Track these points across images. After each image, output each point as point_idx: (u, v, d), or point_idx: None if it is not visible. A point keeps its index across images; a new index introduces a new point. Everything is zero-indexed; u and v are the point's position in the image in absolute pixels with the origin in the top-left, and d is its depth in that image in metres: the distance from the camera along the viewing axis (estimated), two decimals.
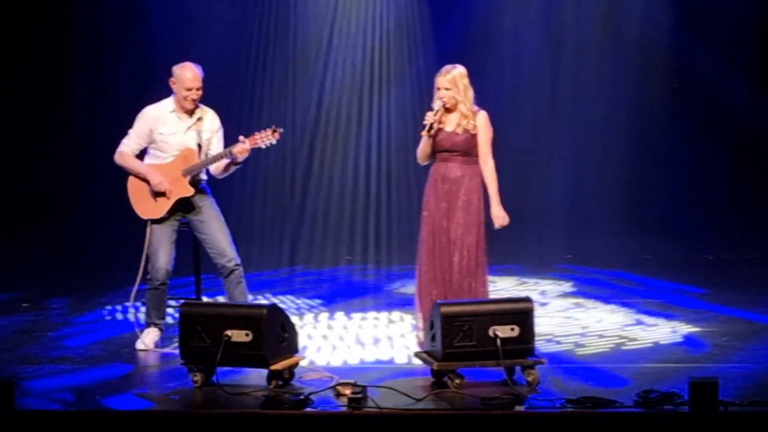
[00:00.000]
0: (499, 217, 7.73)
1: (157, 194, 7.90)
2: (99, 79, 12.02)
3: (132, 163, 7.98)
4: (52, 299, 9.83)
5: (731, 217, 12.31)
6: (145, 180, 7.92)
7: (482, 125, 7.77)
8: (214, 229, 7.98)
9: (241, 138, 7.89)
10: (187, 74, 7.93)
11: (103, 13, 12.11)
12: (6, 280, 10.53)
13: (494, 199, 7.76)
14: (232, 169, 8.04)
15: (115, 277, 10.56)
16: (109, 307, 9.46)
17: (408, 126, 12.31)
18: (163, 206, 7.92)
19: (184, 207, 7.98)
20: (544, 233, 12.30)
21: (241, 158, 7.91)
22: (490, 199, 7.76)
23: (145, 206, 7.95)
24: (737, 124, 12.38)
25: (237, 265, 7.95)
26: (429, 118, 7.69)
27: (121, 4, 12.21)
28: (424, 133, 7.72)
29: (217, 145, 8.05)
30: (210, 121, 8.05)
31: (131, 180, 7.99)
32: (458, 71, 7.76)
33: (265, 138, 7.91)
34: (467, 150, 7.75)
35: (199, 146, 7.98)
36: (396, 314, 9.13)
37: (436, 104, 7.73)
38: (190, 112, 7.99)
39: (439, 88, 7.74)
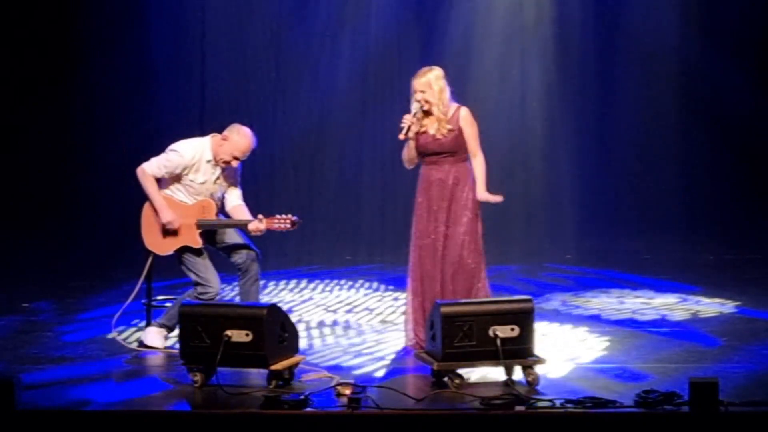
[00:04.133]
0: (489, 197, 7.69)
1: (166, 232, 7.82)
2: (97, 78, 12.01)
3: (151, 189, 7.80)
4: (51, 299, 9.83)
5: (731, 217, 12.30)
6: (174, 206, 7.81)
7: (467, 121, 7.73)
8: (230, 234, 7.94)
9: (259, 217, 7.77)
10: (244, 143, 7.79)
11: (102, 12, 12.10)
12: (5, 279, 10.53)
13: (482, 185, 7.71)
14: None
15: (114, 276, 10.57)
16: (109, 307, 9.47)
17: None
18: (168, 246, 7.83)
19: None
20: (544, 233, 12.30)
21: (252, 234, 7.86)
22: (477, 186, 7.71)
23: (152, 238, 7.86)
24: (739, 124, 12.37)
25: (254, 259, 7.89)
26: (406, 120, 7.65)
27: (121, 3, 12.21)
28: (401, 136, 7.65)
29: (234, 186, 7.97)
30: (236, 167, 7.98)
31: (147, 207, 7.86)
32: (433, 73, 7.71)
33: (282, 225, 7.79)
34: (455, 149, 7.72)
35: (219, 198, 7.93)
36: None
37: (414, 107, 7.69)
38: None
39: (415, 91, 7.70)
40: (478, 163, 7.77)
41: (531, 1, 12.45)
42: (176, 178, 7.84)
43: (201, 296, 7.81)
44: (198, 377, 6.89)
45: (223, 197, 7.97)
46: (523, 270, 11.14)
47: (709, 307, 9.26)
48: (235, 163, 7.85)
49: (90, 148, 12.05)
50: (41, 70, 12.00)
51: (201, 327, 6.85)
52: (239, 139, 7.80)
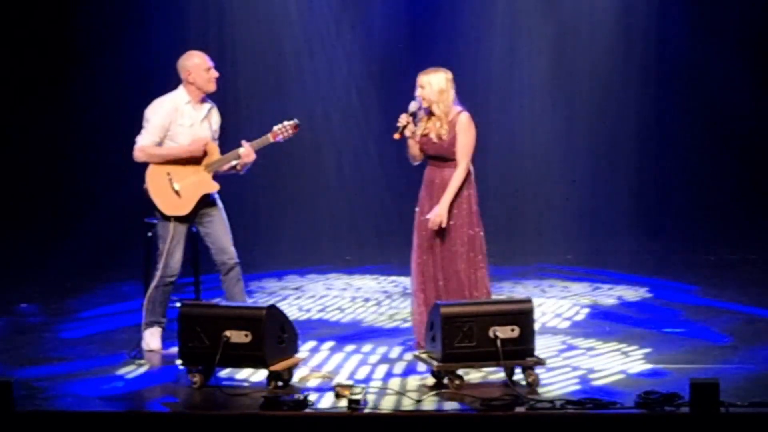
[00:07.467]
0: (439, 216, 7.43)
1: (179, 191, 7.78)
2: (97, 78, 11.99)
3: (160, 151, 7.83)
4: (50, 299, 9.82)
5: (732, 217, 12.29)
6: (179, 160, 7.79)
7: (463, 128, 7.53)
8: (219, 227, 7.93)
9: (242, 142, 7.83)
10: (196, 60, 7.96)
11: (102, 12, 12.09)
12: (3, 279, 10.51)
13: (447, 197, 7.45)
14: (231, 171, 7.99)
15: (113, 276, 10.57)
16: (108, 306, 9.47)
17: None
18: (187, 203, 7.81)
19: (204, 204, 7.92)
20: (543, 233, 12.29)
21: (245, 161, 7.83)
22: (442, 198, 7.46)
23: (168, 203, 7.81)
24: (739, 124, 12.36)
25: (237, 263, 7.91)
26: (402, 119, 7.54)
27: (121, 3, 12.20)
28: (395, 135, 7.54)
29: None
30: (216, 113, 8.05)
31: (150, 176, 7.82)
32: (436, 73, 7.56)
33: (286, 133, 7.90)
34: (452, 155, 7.55)
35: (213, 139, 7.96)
36: None
37: (411, 105, 7.59)
38: (202, 101, 7.95)
39: (416, 87, 7.62)
40: (457, 174, 7.48)
41: (532, 2, 12.44)
42: (166, 134, 7.87)
43: (161, 270, 7.77)
44: (197, 378, 6.89)
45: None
46: (523, 271, 11.12)
47: (710, 307, 9.21)
48: (216, 74, 7.92)
49: (90, 148, 12.04)
50: (41, 70, 11.99)
51: (200, 328, 6.84)
52: (190, 62, 7.97)
